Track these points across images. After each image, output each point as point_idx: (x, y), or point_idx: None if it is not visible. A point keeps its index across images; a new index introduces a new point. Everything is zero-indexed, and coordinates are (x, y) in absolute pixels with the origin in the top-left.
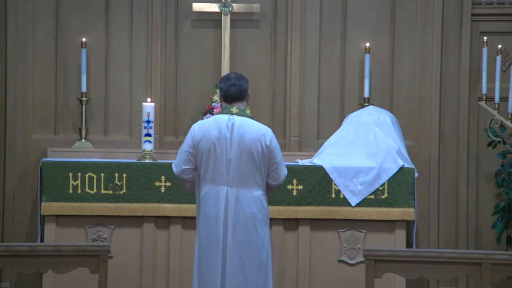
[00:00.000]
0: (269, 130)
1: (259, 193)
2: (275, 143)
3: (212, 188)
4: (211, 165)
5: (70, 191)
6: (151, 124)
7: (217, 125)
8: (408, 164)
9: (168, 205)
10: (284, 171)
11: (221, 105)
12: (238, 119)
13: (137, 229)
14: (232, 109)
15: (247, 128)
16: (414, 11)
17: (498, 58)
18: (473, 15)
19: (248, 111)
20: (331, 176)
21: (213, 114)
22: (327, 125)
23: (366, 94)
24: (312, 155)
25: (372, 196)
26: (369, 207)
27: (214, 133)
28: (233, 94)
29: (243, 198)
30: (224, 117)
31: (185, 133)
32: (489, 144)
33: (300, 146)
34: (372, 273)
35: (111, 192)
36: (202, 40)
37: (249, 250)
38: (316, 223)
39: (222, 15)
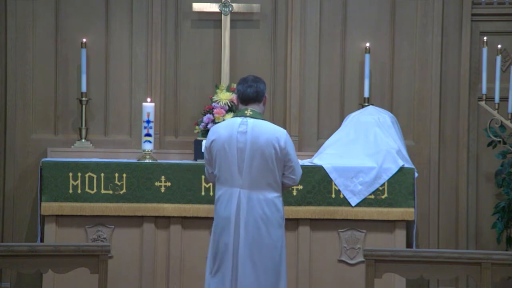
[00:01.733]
0: (284, 132)
1: (272, 195)
2: (290, 146)
3: (226, 190)
4: (223, 167)
5: (70, 191)
6: (151, 124)
7: (228, 127)
8: (408, 164)
9: (168, 205)
10: (300, 172)
11: (237, 107)
12: (251, 121)
13: (137, 229)
14: (246, 111)
15: (261, 130)
16: (414, 11)
17: (498, 58)
18: (473, 15)
19: None
20: (331, 176)
21: (213, 114)
22: (327, 125)
23: (366, 94)
24: (312, 155)
25: (372, 196)
26: (369, 207)
27: (225, 135)
28: (249, 95)
29: (255, 200)
30: (238, 120)
31: (185, 133)
32: (489, 144)
33: (300, 146)
34: (372, 273)
35: (111, 192)
36: (202, 40)
37: (261, 252)
38: (316, 223)
39: (222, 15)
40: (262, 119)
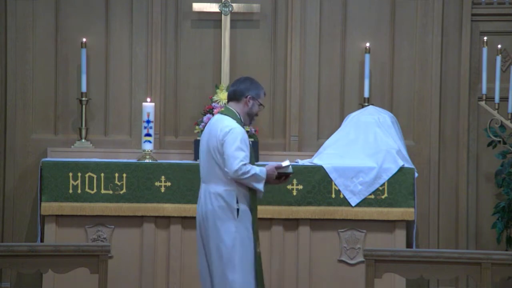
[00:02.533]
0: (229, 126)
1: (221, 188)
2: (228, 138)
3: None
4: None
5: (70, 191)
6: (151, 124)
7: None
8: (408, 164)
9: (168, 205)
10: (232, 166)
11: None
12: (216, 117)
13: (137, 229)
14: (222, 109)
15: (214, 125)
16: (414, 11)
17: (498, 58)
18: (473, 15)
19: None
20: (331, 176)
21: (213, 114)
22: (327, 125)
23: (366, 94)
24: (312, 155)
25: (372, 196)
26: (369, 207)
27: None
28: (228, 94)
29: (207, 194)
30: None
31: (185, 133)
32: (489, 144)
33: (300, 146)
34: (372, 273)
35: (111, 192)
36: (202, 40)
37: (208, 245)
38: (316, 223)
39: (222, 15)
40: (227, 115)
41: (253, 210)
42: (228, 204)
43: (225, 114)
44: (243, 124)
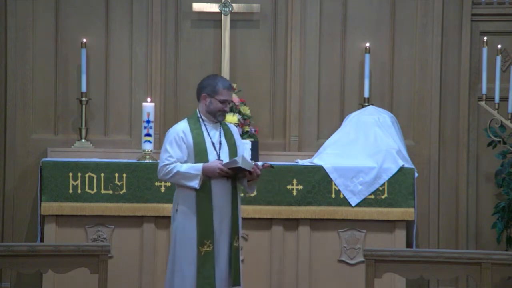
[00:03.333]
0: (171, 128)
1: (176, 191)
2: (164, 140)
3: None
4: None
5: (70, 191)
6: (151, 124)
7: None
8: (408, 164)
9: (168, 205)
10: (159, 165)
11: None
12: None
13: (137, 229)
14: None
15: None
16: (414, 11)
17: (498, 58)
18: (473, 15)
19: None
20: (331, 176)
21: None
22: (327, 125)
23: (366, 94)
24: (312, 155)
25: (372, 196)
26: (369, 207)
27: None
28: None
29: None
30: None
31: None
32: (489, 144)
33: (300, 146)
34: (372, 273)
35: (111, 192)
36: (202, 40)
37: None
38: (316, 223)
39: (222, 15)
40: (188, 117)
41: (203, 210)
42: (174, 205)
43: (188, 116)
44: (208, 122)
